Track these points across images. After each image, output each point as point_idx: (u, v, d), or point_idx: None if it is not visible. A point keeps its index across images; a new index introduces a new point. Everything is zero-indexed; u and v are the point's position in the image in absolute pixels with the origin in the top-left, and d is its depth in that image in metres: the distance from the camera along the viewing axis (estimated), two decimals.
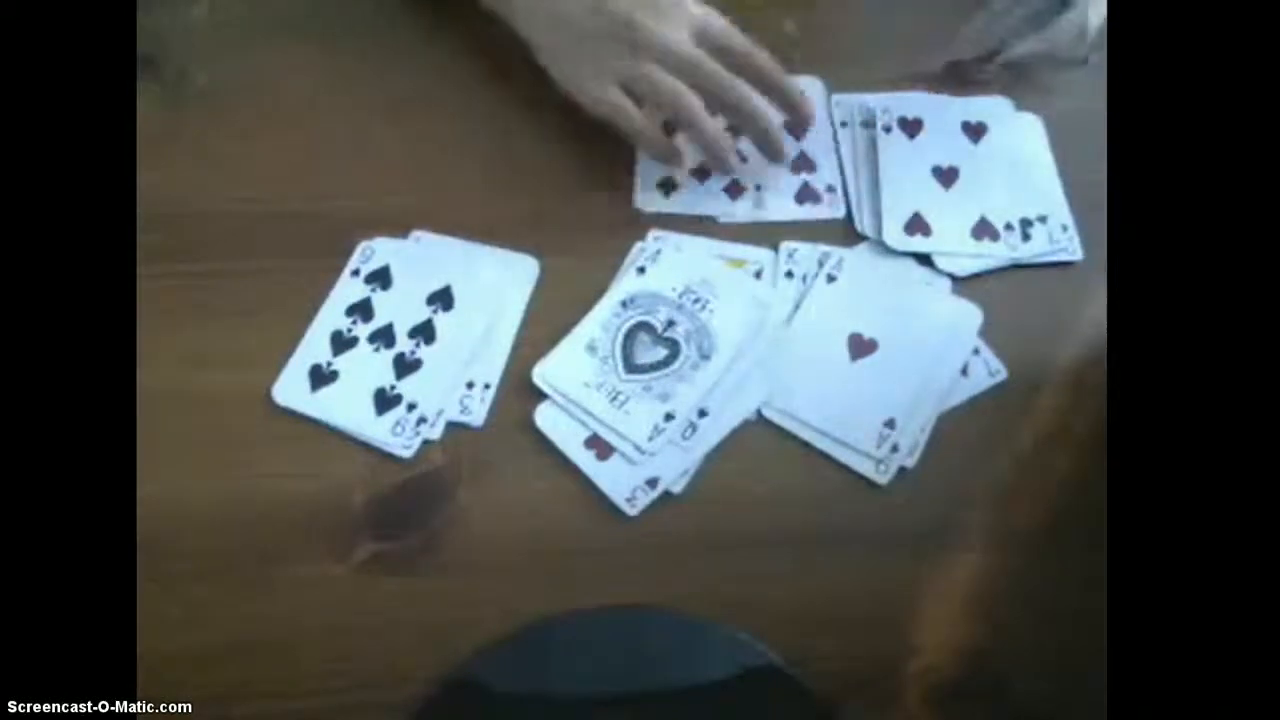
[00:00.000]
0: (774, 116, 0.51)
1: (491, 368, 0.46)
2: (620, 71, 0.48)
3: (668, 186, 0.52)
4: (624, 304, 0.47)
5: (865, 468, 0.43)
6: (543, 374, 0.45)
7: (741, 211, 0.51)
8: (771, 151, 0.51)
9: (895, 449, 0.44)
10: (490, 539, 0.42)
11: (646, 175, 0.52)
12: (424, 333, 0.47)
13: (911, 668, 0.40)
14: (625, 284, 0.48)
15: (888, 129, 0.53)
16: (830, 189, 0.52)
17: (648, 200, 0.51)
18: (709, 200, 0.51)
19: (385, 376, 0.45)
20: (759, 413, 0.45)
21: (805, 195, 0.51)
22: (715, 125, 0.50)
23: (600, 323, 0.47)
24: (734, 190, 0.52)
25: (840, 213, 0.51)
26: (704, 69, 0.48)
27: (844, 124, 0.54)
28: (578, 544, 0.42)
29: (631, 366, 0.46)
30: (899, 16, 0.59)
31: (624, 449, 0.43)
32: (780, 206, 0.51)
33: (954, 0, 0.58)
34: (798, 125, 0.52)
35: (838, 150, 0.53)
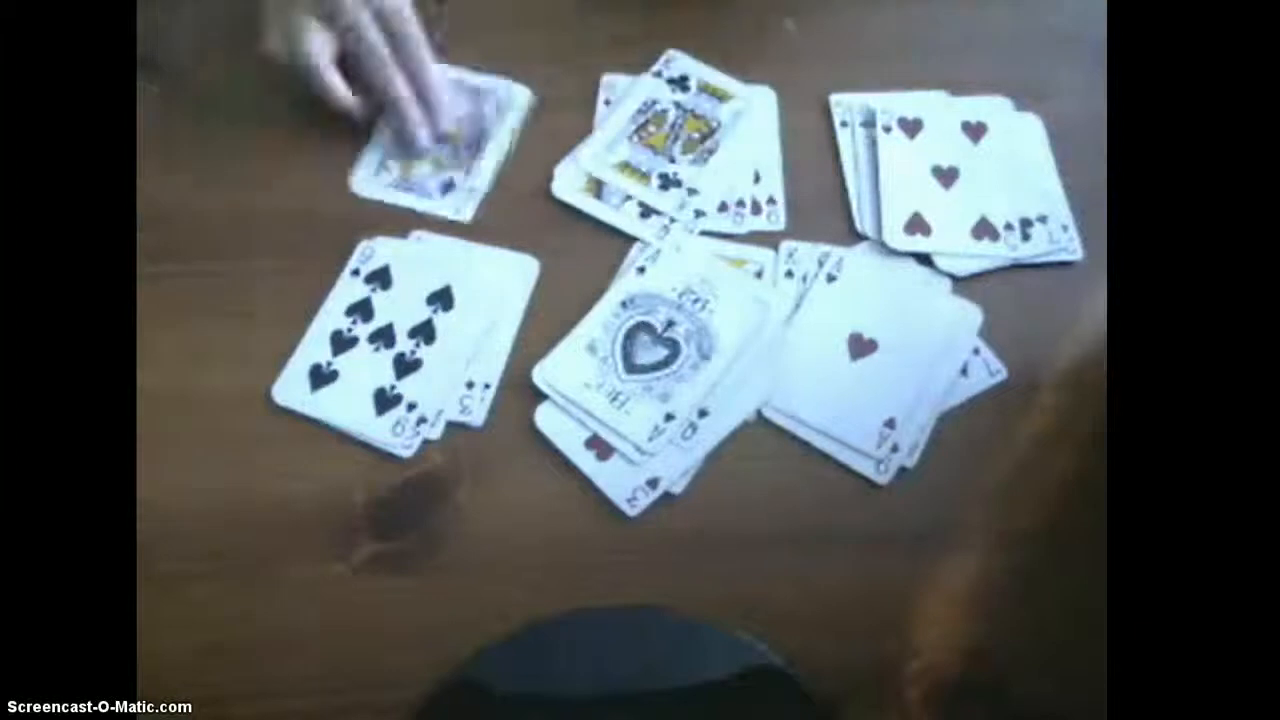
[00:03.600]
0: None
1: (491, 368, 0.46)
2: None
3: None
4: (624, 304, 0.47)
5: (865, 468, 0.43)
6: (543, 374, 0.45)
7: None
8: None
9: (895, 449, 0.44)
10: (490, 539, 0.42)
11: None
12: (424, 333, 0.47)
13: (911, 668, 0.40)
14: (625, 284, 0.48)
15: (888, 129, 0.53)
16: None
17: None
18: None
19: (385, 376, 0.45)
20: (759, 413, 0.45)
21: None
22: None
23: (600, 323, 0.47)
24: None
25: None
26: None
27: (844, 124, 0.54)
28: (578, 544, 0.42)
29: (631, 367, 0.46)
30: (898, 16, 0.59)
31: (624, 449, 0.43)
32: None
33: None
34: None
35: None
